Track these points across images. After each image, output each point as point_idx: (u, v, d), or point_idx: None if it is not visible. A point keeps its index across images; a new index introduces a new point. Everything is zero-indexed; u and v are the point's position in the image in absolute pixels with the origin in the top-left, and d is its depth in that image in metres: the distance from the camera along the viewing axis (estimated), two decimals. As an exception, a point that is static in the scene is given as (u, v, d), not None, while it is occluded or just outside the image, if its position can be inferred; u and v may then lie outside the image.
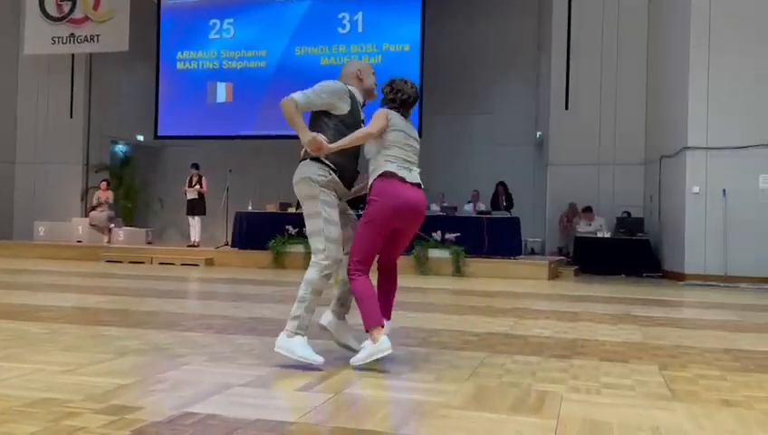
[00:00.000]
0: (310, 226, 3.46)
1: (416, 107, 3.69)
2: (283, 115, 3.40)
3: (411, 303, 6.34)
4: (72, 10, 14.92)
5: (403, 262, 3.71)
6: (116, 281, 8.21)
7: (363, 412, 2.60)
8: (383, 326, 3.33)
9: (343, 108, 3.51)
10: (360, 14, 14.26)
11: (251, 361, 3.49)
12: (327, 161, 3.45)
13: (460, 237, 10.71)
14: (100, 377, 3.03)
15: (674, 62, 11.22)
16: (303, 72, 14.08)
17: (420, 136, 3.92)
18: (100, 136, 16.22)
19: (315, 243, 3.42)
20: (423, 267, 10.50)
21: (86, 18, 14.84)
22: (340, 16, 14.36)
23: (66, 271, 9.60)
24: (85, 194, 15.59)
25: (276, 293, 7.16)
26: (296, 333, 3.38)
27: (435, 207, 12.00)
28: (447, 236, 10.73)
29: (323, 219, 3.41)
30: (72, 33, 14.89)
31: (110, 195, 14.06)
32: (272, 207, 12.39)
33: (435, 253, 10.64)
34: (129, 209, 16.20)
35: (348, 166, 3.54)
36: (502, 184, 13.72)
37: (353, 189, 3.72)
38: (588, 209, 12.68)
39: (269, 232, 11.60)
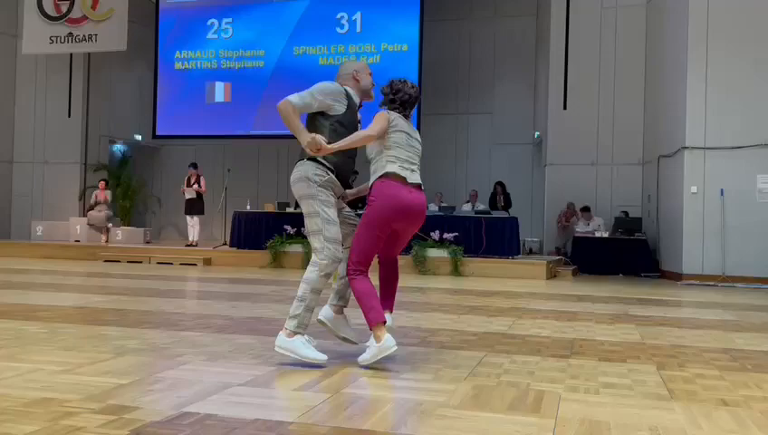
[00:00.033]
0: (309, 225, 3.48)
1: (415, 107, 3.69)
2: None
3: (410, 302, 6.35)
4: (70, 9, 14.90)
5: (402, 262, 3.72)
6: (114, 281, 8.20)
7: (362, 412, 2.60)
8: (386, 323, 3.34)
9: (340, 109, 3.52)
10: (359, 13, 14.27)
11: (249, 360, 3.49)
12: (324, 161, 3.46)
13: (458, 237, 10.71)
14: (98, 377, 3.03)
15: (672, 61, 11.23)
16: (302, 71, 14.09)
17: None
18: (99, 135, 16.21)
19: (314, 242, 3.44)
20: (421, 267, 10.51)
21: (84, 18, 14.82)
22: (338, 16, 14.36)
23: (64, 271, 9.59)
24: (83, 194, 15.58)
25: (274, 292, 7.16)
26: (296, 333, 3.39)
27: (433, 207, 12.02)
28: (446, 235, 10.73)
29: (322, 219, 3.42)
30: (71, 33, 14.87)
31: (108, 194, 14.05)
32: (270, 207, 12.39)
33: (433, 252, 10.64)
34: (128, 209, 16.19)
35: (345, 165, 3.56)
36: (500, 184, 13.73)
37: (356, 190, 3.72)
38: (586, 209, 12.69)
39: (267, 232, 11.61)
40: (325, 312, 3.62)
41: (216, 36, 15.07)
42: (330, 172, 3.47)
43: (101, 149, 16.36)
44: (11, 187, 16.04)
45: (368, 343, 3.38)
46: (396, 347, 3.29)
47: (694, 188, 10.39)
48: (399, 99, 3.55)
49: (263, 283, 8.37)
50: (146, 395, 2.73)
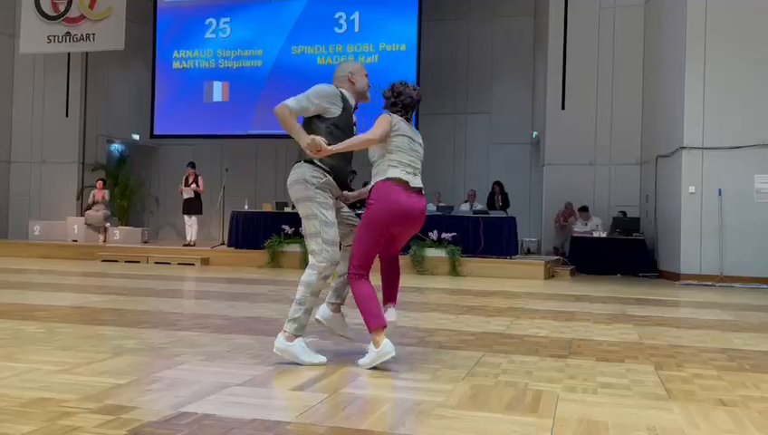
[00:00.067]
0: (307, 227, 3.48)
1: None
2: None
3: (408, 302, 6.35)
4: (67, 9, 14.88)
5: (400, 262, 3.71)
6: (112, 280, 8.19)
7: (359, 412, 2.60)
8: (385, 327, 3.34)
9: (335, 111, 3.51)
10: (357, 13, 14.27)
11: (247, 360, 3.49)
12: (321, 163, 3.45)
13: (456, 237, 10.71)
14: (95, 376, 3.03)
15: (670, 61, 11.25)
16: (300, 71, 14.09)
17: (417, 136, 3.91)
18: (96, 135, 16.18)
19: (312, 244, 3.43)
20: (419, 267, 10.51)
21: (82, 17, 14.80)
22: (336, 16, 14.36)
23: (61, 270, 9.57)
24: (81, 193, 15.55)
25: (272, 292, 7.16)
26: (296, 336, 3.39)
27: (431, 207, 12.00)
28: (444, 235, 10.73)
29: (320, 221, 3.41)
30: (68, 32, 14.85)
31: (105, 194, 14.04)
32: (268, 207, 12.38)
33: (431, 252, 10.64)
34: (125, 209, 16.16)
35: (342, 167, 3.55)
36: (498, 184, 13.73)
37: (357, 193, 3.71)
38: (584, 209, 12.70)
39: (265, 231, 11.60)
40: (323, 311, 3.62)
41: (213, 36, 15.06)
42: (327, 174, 3.47)
43: (99, 149, 16.34)
44: (8, 186, 16.01)
45: (367, 348, 3.39)
46: (394, 353, 3.30)
47: (692, 188, 10.40)
48: (401, 102, 3.53)
49: (260, 283, 8.37)
50: (143, 395, 2.72)
